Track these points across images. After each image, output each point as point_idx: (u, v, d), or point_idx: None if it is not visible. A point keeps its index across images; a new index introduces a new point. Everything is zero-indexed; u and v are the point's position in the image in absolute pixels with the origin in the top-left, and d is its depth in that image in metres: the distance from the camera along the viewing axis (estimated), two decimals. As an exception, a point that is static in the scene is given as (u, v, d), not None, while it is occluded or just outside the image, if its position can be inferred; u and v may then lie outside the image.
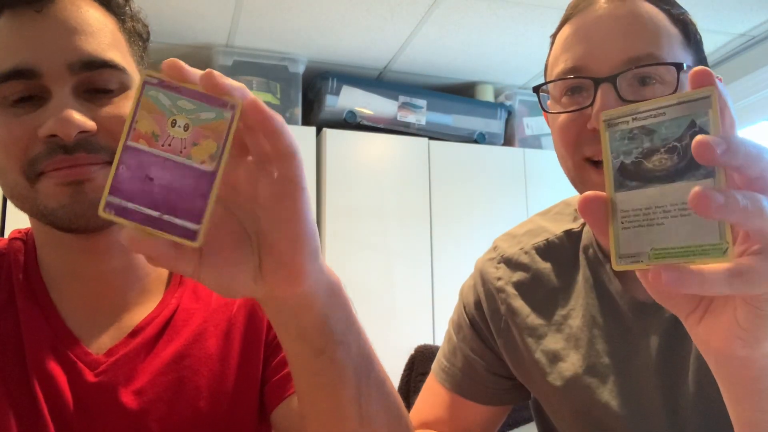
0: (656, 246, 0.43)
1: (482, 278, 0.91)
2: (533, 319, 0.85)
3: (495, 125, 3.11)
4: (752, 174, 0.40)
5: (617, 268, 0.45)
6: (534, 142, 3.18)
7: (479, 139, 3.08)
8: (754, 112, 2.81)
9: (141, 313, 0.74)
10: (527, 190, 3.06)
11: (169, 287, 0.77)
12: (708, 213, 0.38)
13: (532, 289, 0.86)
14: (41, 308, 0.70)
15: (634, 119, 0.45)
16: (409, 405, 0.84)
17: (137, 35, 0.74)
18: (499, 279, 0.89)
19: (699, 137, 0.39)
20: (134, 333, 0.72)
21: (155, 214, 0.44)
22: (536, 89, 0.79)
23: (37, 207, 0.66)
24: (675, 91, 0.70)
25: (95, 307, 0.72)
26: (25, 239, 0.76)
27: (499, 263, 0.90)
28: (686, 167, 0.42)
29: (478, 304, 0.91)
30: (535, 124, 3.20)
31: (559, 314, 0.84)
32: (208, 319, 0.75)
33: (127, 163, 0.44)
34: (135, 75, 0.70)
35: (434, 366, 0.96)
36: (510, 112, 3.16)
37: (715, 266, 0.40)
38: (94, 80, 0.66)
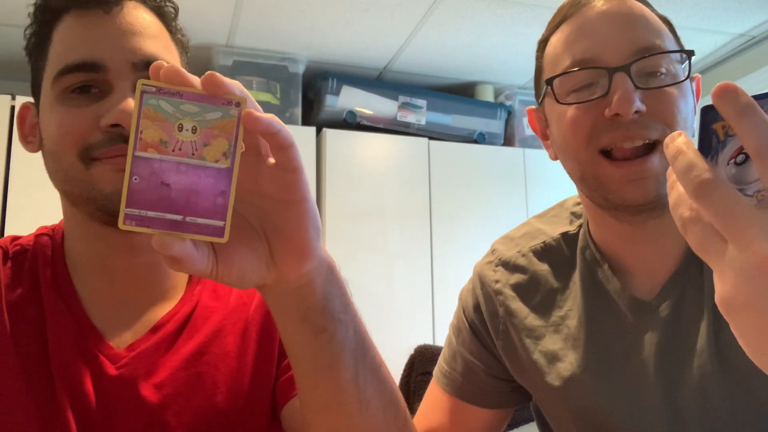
0: None
1: (481, 281, 0.92)
2: (531, 320, 0.85)
3: (495, 125, 3.11)
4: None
5: None
6: (534, 142, 3.18)
7: (479, 139, 3.08)
8: (754, 112, 2.81)
9: (162, 309, 0.76)
10: (527, 190, 3.06)
11: (189, 285, 0.79)
12: None
13: (530, 290, 0.87)
14: (66, 302, 0.72)
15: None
16: (409, 405, 0.85)
17: (182, 47, 0.79)
18: (497, 282, 0.90)
19: None
20: (155, 329, 0.73)
21: (178, 218, 0.45)
22: (549, 82, 0.77)
23: (90, 191, 0.68)
24: (687, 78, 0.73)
25: (119, 302, 0.74)
26: (52, 235, 0.78)
27: (497, 266, 0.91)
28: None
29: (477, 307, 0.92)
30: (535, 124, 3.20)
31: (556, 315, 0.84)
32: (226, 317, 0.77)
33: (139, 174, 0.44)
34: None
35: (435, 371, 0.96)
36: (510, 112, 3.17)
37: None
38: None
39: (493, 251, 0.95)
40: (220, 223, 0.45)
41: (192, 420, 0.71)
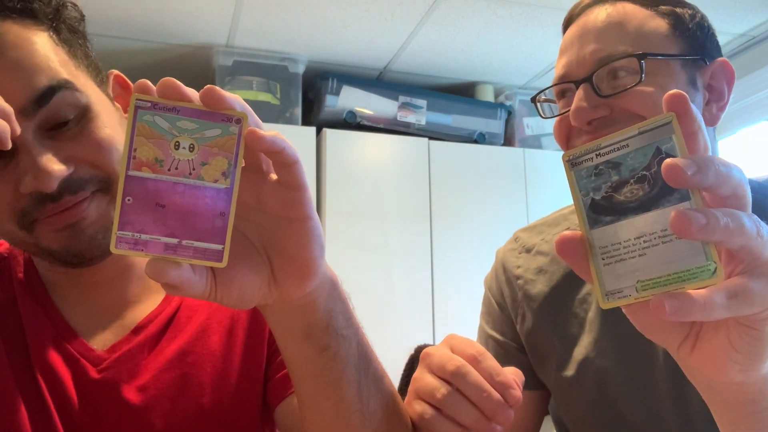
0: (642, 278, 0.42)
1: (503, 267, 0.94)
2: (550, 304, 0.87)
3: (495, 125, 3.11)
4: (724, 192, 0.40)
5: (605, 306, 0.44)
6: (534, 142, 3.18)
7: (479, 139, 3.08)
8: (754, 112, 2.81)
9: (144, 309, 0.74)
10: (527, 190, 3.06)
11: None
12: (690, 234, 0.37)
13: (551, 272, 0.89)
14: (42, 307, 0.71)
15: (597, 155, 0.44)
16: (409, 405, 0.85)
17: (74, 35, 0.69)
18: (518, 267, 0.92)
19: (668, 160, 0.38)
20: (137, 330, 0.72)
21: (173, 241, 0.42)
22: (533, 99, 0.89)
23: (41, 250, 0.66)
24: (640, 79, 0.76)
25: (96, 305, 0.73)
26: None
27: (520, 253, 0.93)
28: (659, 194, 0.41)
29: (500, 291, 0.94)
30: (535, 124, 3.20)
31: (575, 299, 0.86)
32: (211, 315, 0.75)
33: (132, 194, 0.42)
34: (88, 86, 0.67)
35: None
36: (510, 112, 3.17)
37: (712, 290, 0.39)
38: (52, 113, 0.63)
39: (516, 239, 0.96)
40: (219, 247, 0.43)
41: (178, 422, 0.69)
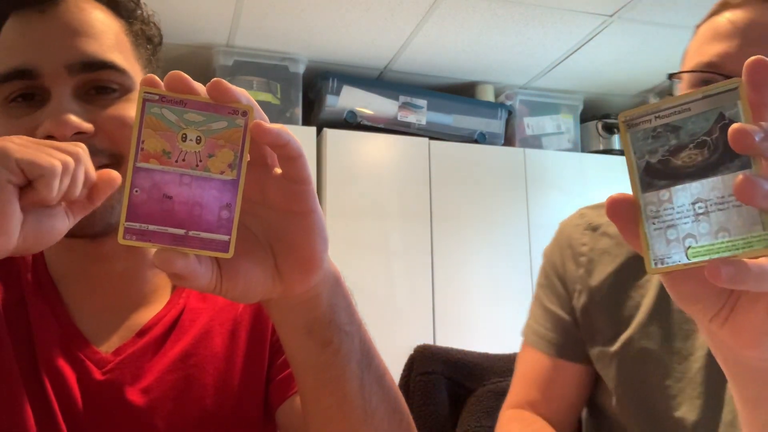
0: (694, 244, 0.41)
1: (568, 242, 0.94)
2: (609, 287, 0.88)
3: (495, 125, 3.11)
4: None
5: (652, 272, 0.43)
6: (534, 142, 3.18)
7: (479, 139, 3.08)
8: (754, 112, 2.81)
9: (149, 312, 0.75)
10: (527, 190, 3.06)
11: (176, 288, 0.77)
12: (754, 200, 0.37)
13: (614, 255, 0.89)
14: (51, 307, 0.71)
15: (656, 117, 0.43)
16: (408, 405, 0.85)
17: (145, 38, 0.75)
18: (584, 245, 0.92)
19: (735, 125, 0.38)
20: (142, 332, 0.73)
21: (180, 232, 0.43)
22: (671, 76, 0.80)
23: None
24: None
25: (103, 306, 0.73)
26: None
27: (585, 230, 0.93)
28: (719, 160, 0.40)
29: (563, 265, 0.94)
30: (535, 124, 3.20)
31: (634, 284, 0.87)
32: (214, 317, 0.76)
33: (140, 186, 0.43)
34: (138, 78, 0.71)
35: (528, 336, 0.95)
36: (510, 112, 3.17)
37: (767, 260, 0.39)
38: (94, 81, 0.67)
39: (581, 215, 0.96)
40: (225, 238, 0.43)
41: (181, 423, 0.70)
